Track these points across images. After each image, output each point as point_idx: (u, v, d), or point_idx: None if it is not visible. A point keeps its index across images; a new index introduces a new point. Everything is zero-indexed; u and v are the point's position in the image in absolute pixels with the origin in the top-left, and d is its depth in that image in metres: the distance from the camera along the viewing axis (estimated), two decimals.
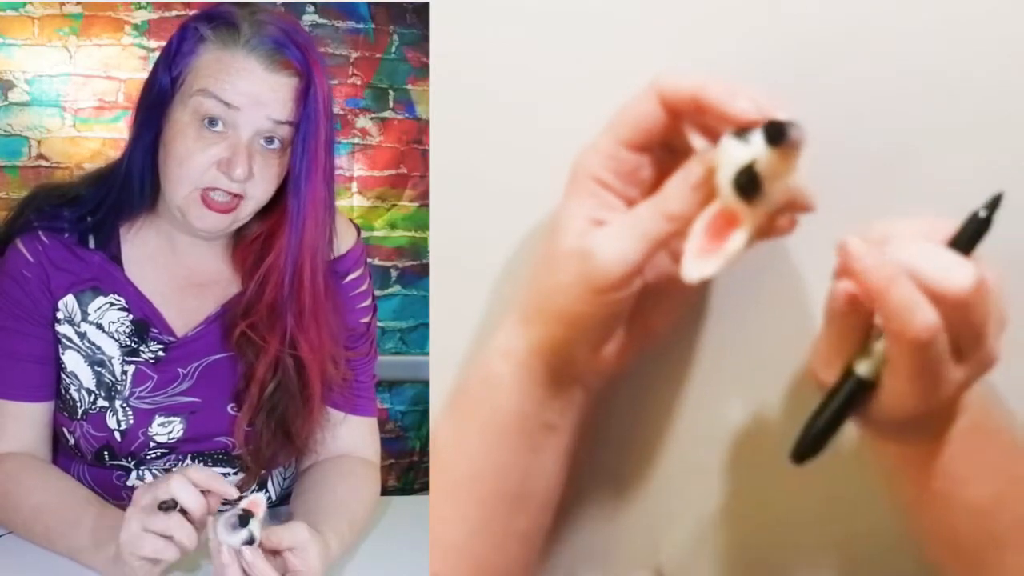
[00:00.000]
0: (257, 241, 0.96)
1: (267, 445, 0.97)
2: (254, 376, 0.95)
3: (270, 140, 0.89)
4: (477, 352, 0.75)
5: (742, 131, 0.62)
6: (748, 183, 0.61)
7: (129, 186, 0.94)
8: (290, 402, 0.96)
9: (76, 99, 2.18)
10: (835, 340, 0.65)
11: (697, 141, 0.67)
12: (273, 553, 0.79)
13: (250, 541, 0.75)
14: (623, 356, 0.71)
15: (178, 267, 0.99)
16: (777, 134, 0.60)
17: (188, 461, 1.00)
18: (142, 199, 0.95)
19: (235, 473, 1.01)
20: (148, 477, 0.99)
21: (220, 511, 0.78)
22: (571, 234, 0.67)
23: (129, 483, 0.99)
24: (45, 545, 0.88)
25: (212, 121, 0.88)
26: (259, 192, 0.91)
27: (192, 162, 0.88)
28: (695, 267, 0.63)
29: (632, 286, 0.66)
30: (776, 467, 0.69)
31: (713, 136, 0.65)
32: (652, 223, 0.65)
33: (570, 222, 0.67)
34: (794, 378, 0.75)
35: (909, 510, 0.71)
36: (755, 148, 0.61)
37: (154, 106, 0.91)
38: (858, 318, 0.63)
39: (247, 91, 0.87)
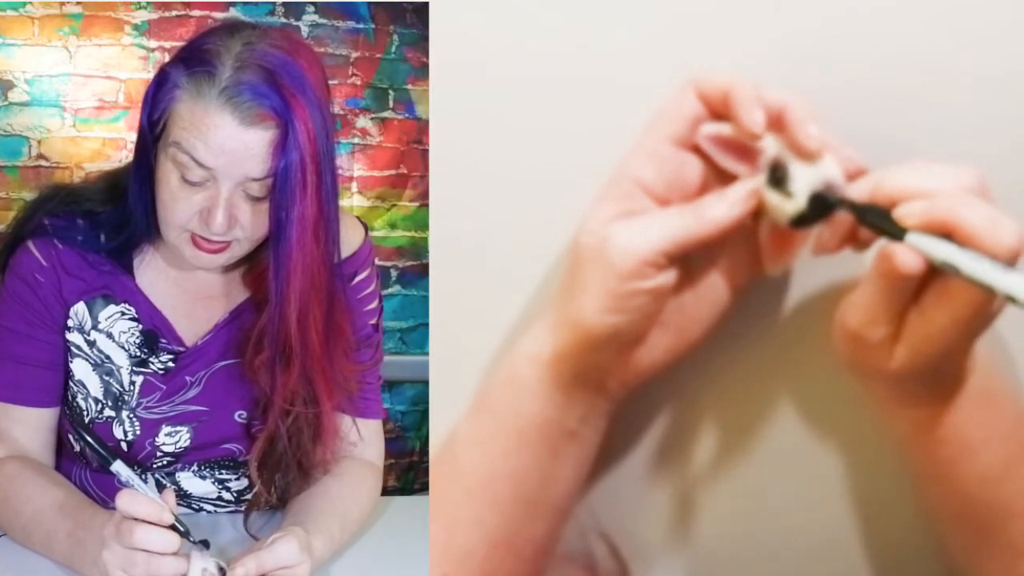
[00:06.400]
0: (269, 270, 0.90)
1: (280, 477, 0.97)
2: (268, 411, 0.94)
3: (252, 189, 0.86)
4: (503, 353, 0.75)
5: (778, 171, 0.65)
6: (802, 223, 0.65)
7: (134, 217, 0.93)
8: (304, 434, 0.95)
9: (76, 99, 2.18)
10: (883, 297, 0.63)
11: (728, 163, 0.68)
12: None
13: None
14: (654, 364, 0.70)
15: (188, 282, 0.99)
16: (821, 213, 0.64)
17: (194, 469, 1.00)
18: (148, 231, 0.93)
19: (238, 478, 1.02)
20: (151, 482, 0.98)
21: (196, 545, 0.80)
22: (591, 230, 0.67)
23: None
24: (44, 552, 0.87)
25: (190, 174, 0.84)
26: (249, 234, 0.88)
27: (176, 209, 0.86)
28: (773, 265, 0.69)
29: (650, 279, 0.65)
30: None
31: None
32: (682, 221, 0.65)
33: (593, 219, 0.67)
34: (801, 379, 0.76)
35: (919, 481, 0.71)
36: (800, 201, 0.64)
37: (142, 146, 0.89)
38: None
39: (220, 150, 0.83)
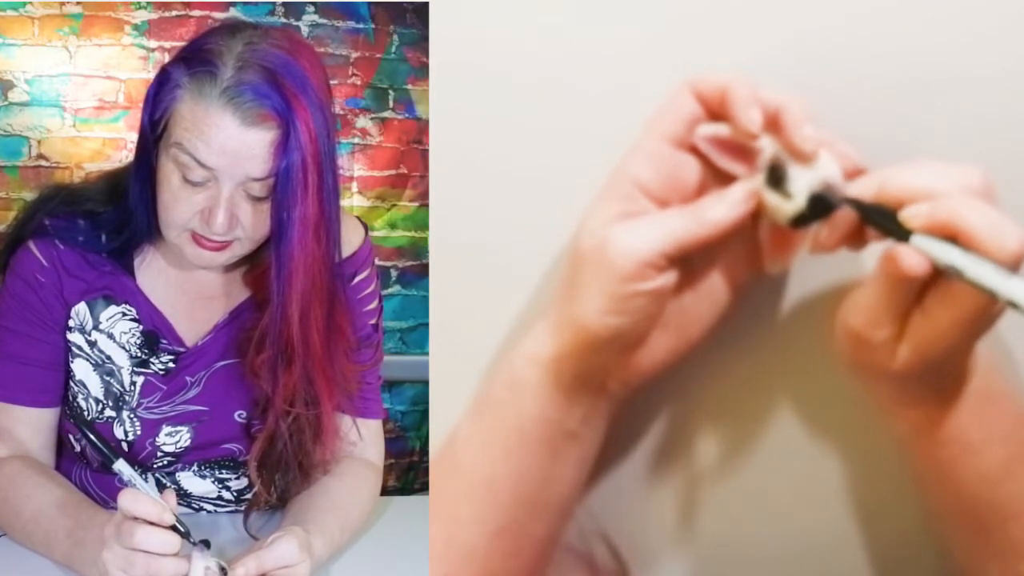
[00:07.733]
0: (270, 270, 0.90)
1: (280, 477, 0.97)
2: (268, 410, 0.94)
3: (253, 189, 0.86)
4: (503, 353, 0.75)
5: (776, 171, 0.65)
6: (801, 223, 0.65)
7: (134, 218, 0.93)
8: (304, 434, 0.95)
9: (76, 99, 2.18)
10: (887, 298, 0.63)
11: (726, 163, 0.68)
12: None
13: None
14: (655, 364, 0.70)
15: (189, 282, 0.99)
16: (821, 213, 0.64)
17: (195, 468, 1.00)
18: (148, 231, 0.93)
19: (238, 478, 1.02)
20: (152, 481, 0.99)
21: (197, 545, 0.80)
22: (591, 231, 0.67)
23: None
24: (44, 551, 0.87)
25: (191, 174, 0.85)
26: (250, 234, 0.88)
27: (176, 210, 0.86)
28: (773, 264, 0.69)
29: (650, 280, 0.65)
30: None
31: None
32: (682, 222, 0.65)
33: (593, 220, 0.67)
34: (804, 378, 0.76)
35: (920, 481, 0.71)
36: (799, 201, 0.64)
37: (143, 146, 0.89)
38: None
39: (221, 150, 0.83)
